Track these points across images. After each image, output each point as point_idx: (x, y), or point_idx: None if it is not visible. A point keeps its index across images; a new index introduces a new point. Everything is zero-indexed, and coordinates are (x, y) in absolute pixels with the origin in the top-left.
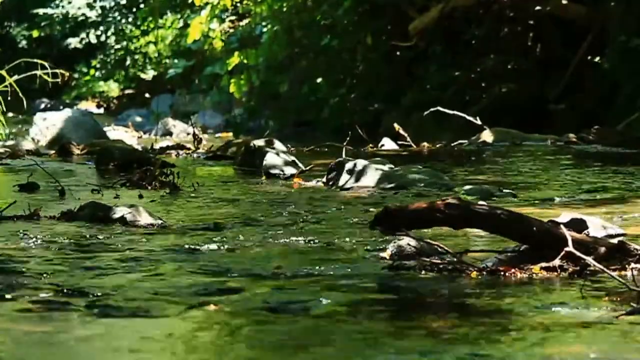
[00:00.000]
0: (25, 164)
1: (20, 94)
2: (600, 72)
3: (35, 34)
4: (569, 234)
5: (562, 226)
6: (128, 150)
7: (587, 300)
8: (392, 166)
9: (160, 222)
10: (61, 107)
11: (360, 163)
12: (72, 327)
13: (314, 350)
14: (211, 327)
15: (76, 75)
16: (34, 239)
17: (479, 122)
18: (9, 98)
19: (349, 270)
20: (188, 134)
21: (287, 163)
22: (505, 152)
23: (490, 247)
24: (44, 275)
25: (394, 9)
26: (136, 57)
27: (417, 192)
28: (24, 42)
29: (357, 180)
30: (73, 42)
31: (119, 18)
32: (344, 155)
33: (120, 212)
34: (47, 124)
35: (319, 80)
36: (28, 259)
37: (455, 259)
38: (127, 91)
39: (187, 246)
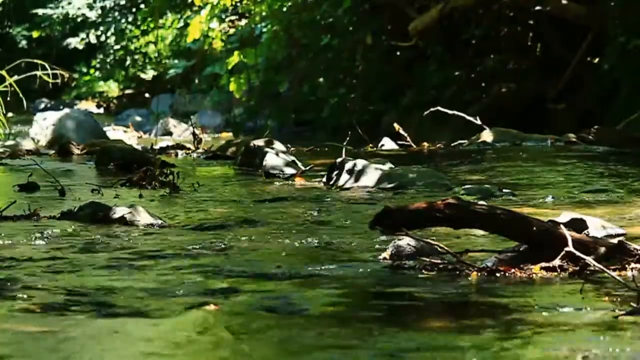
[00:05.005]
0: (25, 164)
1: (20, 94)
2: (600, 72)
3: (35, 34)
4: (569, 234)
5: (562, 226)
6: (128, 150)
7: (587, 300)
8: (392, 166)
9: (160, 222)
10: (61, 107)
11: (360, 163)
12: (72, 327)
13: (313, 350)
14: (211, 327)
15: (76, 75)
16: (34, 239)
17: (478, 122)
18: (8, 98)
19: (349, 270)
20: (188, 133)
21: (287, 163)
22: (505, 152)
23: (490, 247)
24: (44, 275)
25: (394, 9)
26: (136, 57)
27: (417, 192)
28: (24, 42)
29: (357, 180)
30: (73, 42)
31: (118, 18)
32: (344, 155)
33: (120, 212)
34: (47, 124)
35: (319, 80)
36: (28, 259)
37: (455, 259)
38: (127, 91)
39: (187, 246)
